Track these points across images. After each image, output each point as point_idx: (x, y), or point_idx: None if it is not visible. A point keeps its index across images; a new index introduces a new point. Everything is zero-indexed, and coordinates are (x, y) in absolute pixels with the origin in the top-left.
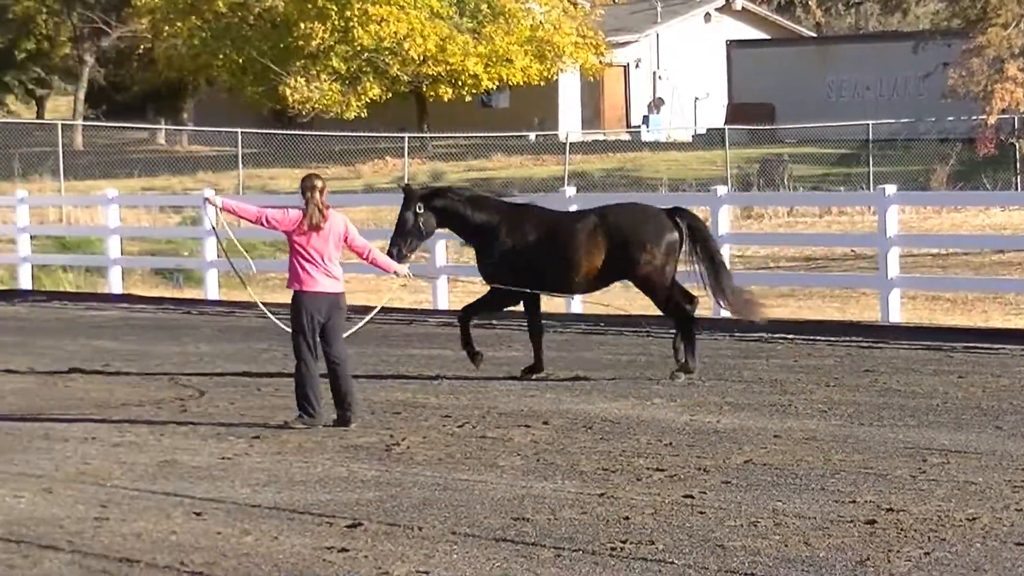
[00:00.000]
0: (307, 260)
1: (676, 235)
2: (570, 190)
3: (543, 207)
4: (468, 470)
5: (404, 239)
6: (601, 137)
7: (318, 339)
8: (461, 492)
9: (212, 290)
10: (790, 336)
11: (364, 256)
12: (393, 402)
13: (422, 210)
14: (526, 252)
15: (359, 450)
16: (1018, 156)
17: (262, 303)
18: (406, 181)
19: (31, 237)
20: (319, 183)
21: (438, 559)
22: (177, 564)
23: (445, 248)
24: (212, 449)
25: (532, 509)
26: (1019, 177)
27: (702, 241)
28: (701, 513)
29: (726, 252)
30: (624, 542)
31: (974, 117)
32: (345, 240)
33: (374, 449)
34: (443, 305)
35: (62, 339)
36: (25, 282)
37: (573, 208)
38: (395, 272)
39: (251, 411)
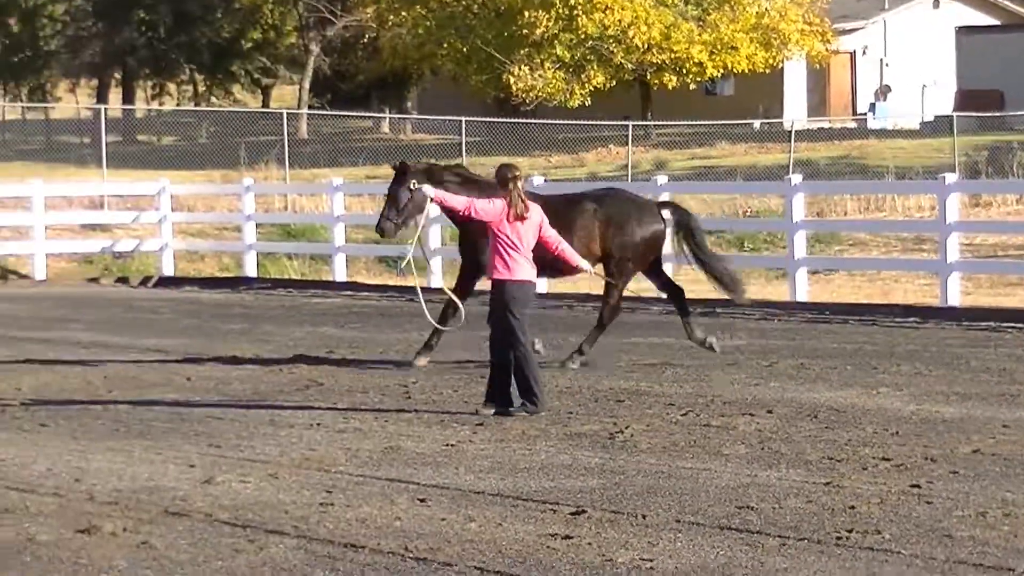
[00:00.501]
0: (512, 248)
1: (663, 226)
2: (796, 178)
3: (532, 191)
4: (692, 458)
5: (398, 212)
6: (827, 125)
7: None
8: (685, 480)
9: (436, 278)
10: (1020, 325)
11: (553, 248)
12: (616, 390)
13: (416, 186)
14: None
15: (582, 438)
16: None
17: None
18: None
19: (256, 225)
20: (518, 172)
21: (662, 547)
22: (401, 550)
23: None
24: (436, 436)
25: (757, 498)
26: None
27: (688, 231)
28: (928, 503)
29: (955, 240)
30: (850, 531)
31: None
32: (539, 230)
33: (597, 437)
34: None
35: (287, 326)
36: (251, 270)
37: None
38: (580, 267)
39: (474, 398)
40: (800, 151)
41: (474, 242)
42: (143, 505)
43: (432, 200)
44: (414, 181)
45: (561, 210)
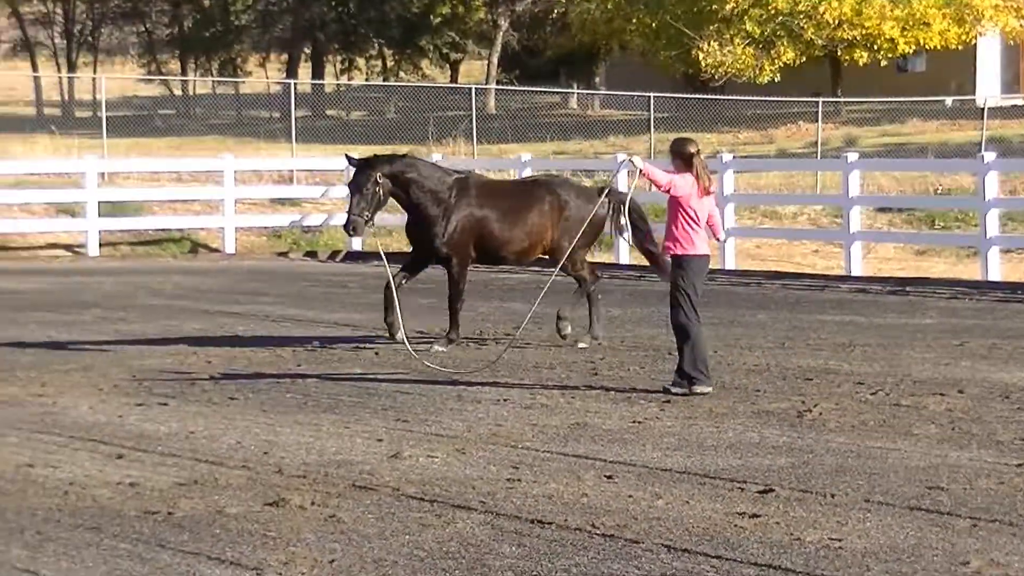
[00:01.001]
0: (696, 223)
1: (605, 211)
2: (989, 155)
3: (483, 176)
4: (881, 438)
5: (367, 205)
6: (1020, 102)
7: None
8: (874, 460)
9: (623, 254)
10: None
11: (709, 220)
12: (805, 368)
13: (381, 178)
14: (486, 221)
15: (770, 416)
16: None
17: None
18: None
19: None
20: (698, 145)
21: (851, 527)
22: (588, 526)
23: (859, 214)
24: (623, 412)
25: (947, 478)
26: None
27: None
28: None
29: None
30: None
31: None
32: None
33: (786, 415)
34: (856, 271)
35: (475, 300)
36: None
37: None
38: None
39: (661, 375)
40: (993, 128)
41: None
42: (331, 479)
43: (640, 172)
44: (626, 154)
45: (518, 195)
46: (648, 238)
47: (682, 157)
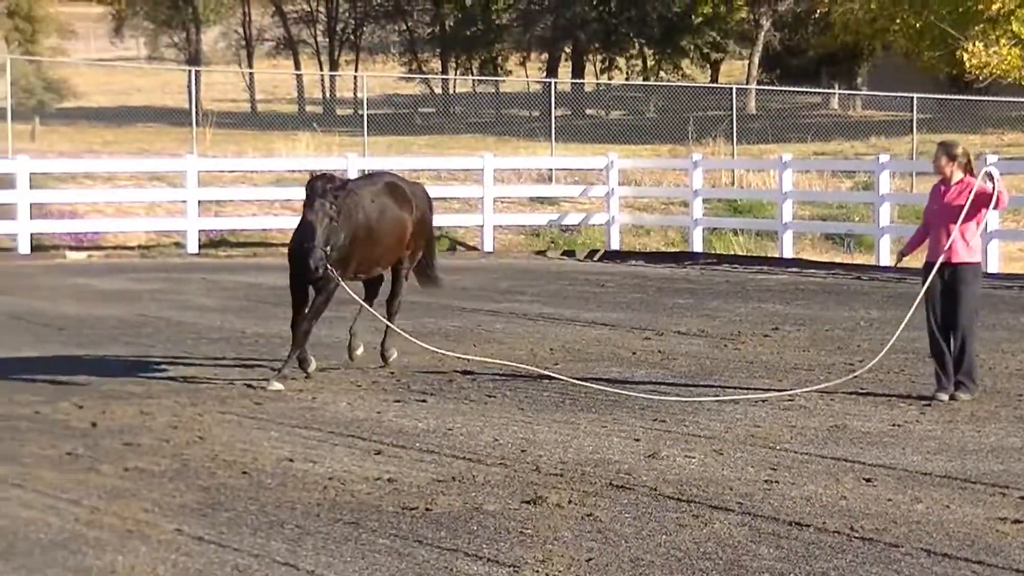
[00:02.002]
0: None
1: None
2: None
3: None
4: None
5: (325, 239)
6: None
7: None
8: None
9: (884, 256)
10: None
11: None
12: None
13: (333, 203)
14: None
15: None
16: None
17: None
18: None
19: (703, 200)
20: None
21: None
22: (847, 529)
23: None
24: (883, 415)
25: None
26: None
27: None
28: None
29: None
30: None
31: None
32: None
33: None
34: None
35: (732, 302)
36: (697, 245)
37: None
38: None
39: (921, 378)
40: None
41: None
42: (588, 477)
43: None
44: (987, 170)
45: (391, 197)
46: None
47: (962, 165)
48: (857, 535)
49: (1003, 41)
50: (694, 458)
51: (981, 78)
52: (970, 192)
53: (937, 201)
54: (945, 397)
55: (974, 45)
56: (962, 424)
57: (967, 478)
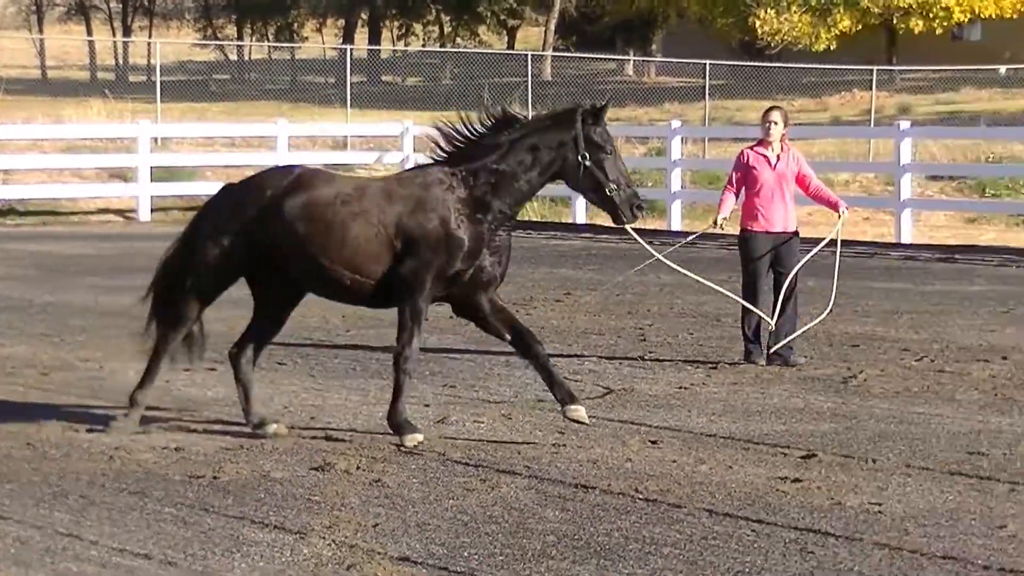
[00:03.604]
0: None
1: None
2: None
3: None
4: (924, 404)
5: None
6: None
7: None
8: (917, 426)
9: (675, 221)
10: None
11: None
12: (851, 335)
13: None
14: None
15: (816, 382)
16: None
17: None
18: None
19: None
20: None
21: (891, 491)
22: (631, 491)
23: (910, 182)
24: (669, 378)
25: (988, 444)
26: None
27: None
28: None
29: None
30: None
31: None
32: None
33: (831, 381)
34: (906, 239)
35: (525, 267)
36: None
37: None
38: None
39: (709, 342)
40: None
41: None
42: (377, 443)
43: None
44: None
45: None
46: None
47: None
48: (641, 496)
49: (794, 8)
50: (483, 423)
51: (773, 44)
52: (798, 162)
53: (768, 168)
54: (762, 361)
55: (766, 12)
56: (747, 386)
57: (750, 439)
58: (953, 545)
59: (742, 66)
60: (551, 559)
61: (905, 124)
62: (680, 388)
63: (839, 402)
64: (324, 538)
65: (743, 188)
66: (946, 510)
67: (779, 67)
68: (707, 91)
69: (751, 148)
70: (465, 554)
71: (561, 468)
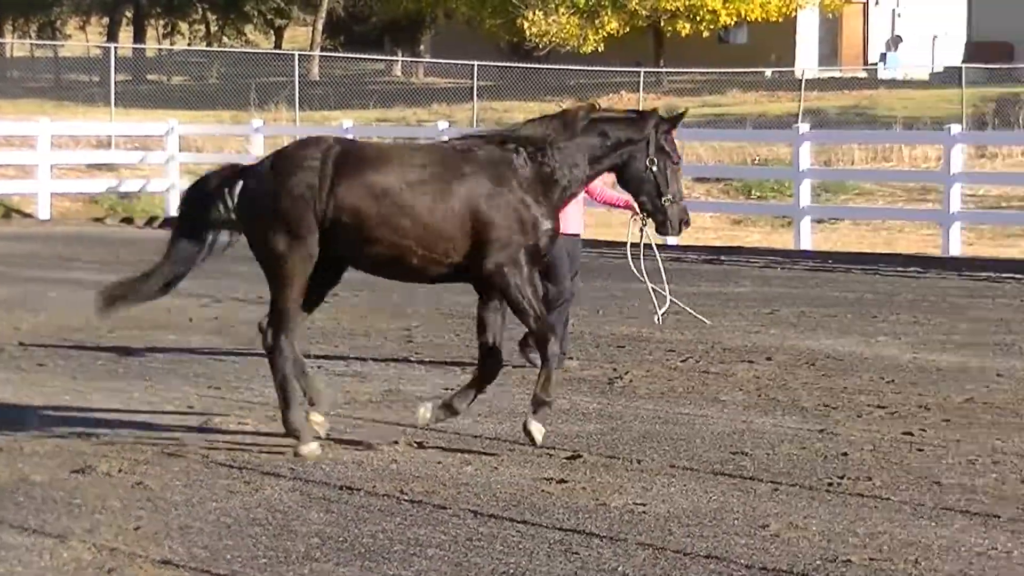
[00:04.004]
0: None
1: None
2: (803, 126)
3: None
4: (689, 404)
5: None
6: (838, 74)
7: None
8: (681, 426)
9: None
10: (1019, 276)
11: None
12: (618, 336)
13: None
14: None
15: (582, 383)
16: None
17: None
18: None
19: None
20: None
21: (655, 491)
22: (396, 492)
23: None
24: (435, 380)
25: (751, 444)
26: None
27: None
28: (919, 451)
29: (957, 191)
30: (841, 478)
31: None
32: None
33: (596, 382)
34: (672, 240)
35: None
36: None
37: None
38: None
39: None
40: (810, 100)
41: None
42: (140, 446)
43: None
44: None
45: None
46: None
47: None
48: (407, 498)
49: (562, 10)
50: (248, 425)
51: (541, 46)
52: None
53: None
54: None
55: (534, 13)
56: (512, 387)
57: (516, 440)
58: (716, 545)
59: (510, 67)
60: (315, 561)
61: None
62: (446, 389)
63: (605, 403)
64: (84, 542)
65: None
66: (709, 510)
67: (547, 69)
68: (475, 92)
69: None
70: (228, 557)
71: (326, 470)
